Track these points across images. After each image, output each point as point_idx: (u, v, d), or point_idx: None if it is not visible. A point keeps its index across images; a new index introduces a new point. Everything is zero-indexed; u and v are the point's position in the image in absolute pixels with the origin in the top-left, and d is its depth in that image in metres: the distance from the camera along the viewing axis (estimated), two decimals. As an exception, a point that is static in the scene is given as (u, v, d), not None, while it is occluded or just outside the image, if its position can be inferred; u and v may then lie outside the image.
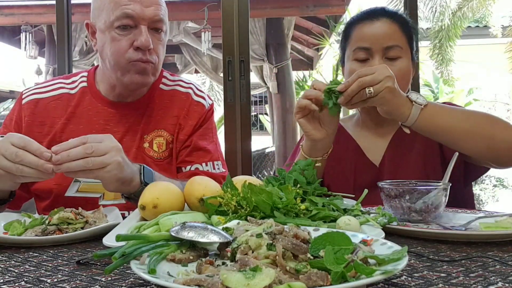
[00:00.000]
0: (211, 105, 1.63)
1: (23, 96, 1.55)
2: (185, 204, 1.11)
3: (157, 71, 1.49)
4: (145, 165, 1.29)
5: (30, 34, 6.06)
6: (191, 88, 1.61)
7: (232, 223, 0.82)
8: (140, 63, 1.41)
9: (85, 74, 1.60)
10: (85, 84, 1.56)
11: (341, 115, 1.37)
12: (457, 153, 1.25)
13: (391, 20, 1.48)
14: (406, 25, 1.50)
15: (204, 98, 1.61)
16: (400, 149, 1.51)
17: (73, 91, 1.56)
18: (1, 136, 1.34)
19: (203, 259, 0.68)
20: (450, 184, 1.15)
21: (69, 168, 1.08)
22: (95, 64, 1.66)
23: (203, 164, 1.52)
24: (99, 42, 1.46)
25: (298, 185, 1.10)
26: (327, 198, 1.11)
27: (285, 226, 0.73)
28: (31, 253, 0.94)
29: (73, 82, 1.58)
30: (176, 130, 1.53)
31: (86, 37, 5.64)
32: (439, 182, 1.17)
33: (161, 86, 1.59)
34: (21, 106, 1.53)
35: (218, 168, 1.54)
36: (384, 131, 1.56)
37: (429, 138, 1.35)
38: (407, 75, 1.48)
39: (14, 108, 1.56)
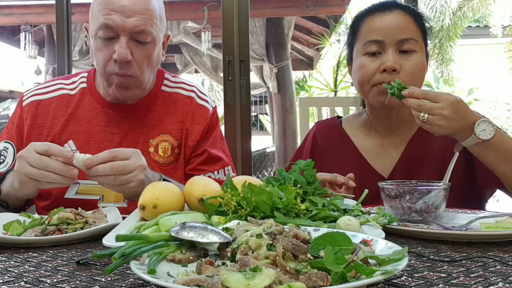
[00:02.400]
0: (215, 108, 1.62)
1: (24, 98, 1.54)
2: (185, 204, 1.11)
3: (142, 83, 1.44)
4: (164, 177, 1.32)
5: (30, 34, 6.06)
6: (193, 91, 1.58)
7: (232, 223, 0.82)
8: (118, 76, 1.39)
9: (85, 74, 1.58)
10: (84, 85, 1.55)
11: (341, 114, 1.35)
12: (457, 153, 1.22)
13: (404, 12, 1.38)
14: (420, 18, 1.40)
15: (207, 101, 1.59)
16: (413, 161, 1.42)
17: (72, 92, 1.54)
18: (5, 142, 1.34)
19: (203, 259, 0.68)
20: (450, 184, 1.14)
21: (96, 181, 1.18)
22: (95, 65, 1.65)
23: (215, 172, 1.53)
24: (91, 47, 1.45)
25: (298, 185, 1.10)
26: (327, 199, 1.11)
27: (285, 227, 0.73)
28: (30, 253, 0.94)
29: (73, 82, 1.57)
30: (183, 136, 1.52)
31: (85, 37, 5.61)
32: (440, 182, 1.16)
33: (163, 88, 1.57)
34: (22, 109, 1.53)
35: (229, 174, 1.55)
36: (394, 139, 1.45)
37: (447, 152, 1.28)
38: (422, 71, 1.38)
39: (16, 111, 1.55)
